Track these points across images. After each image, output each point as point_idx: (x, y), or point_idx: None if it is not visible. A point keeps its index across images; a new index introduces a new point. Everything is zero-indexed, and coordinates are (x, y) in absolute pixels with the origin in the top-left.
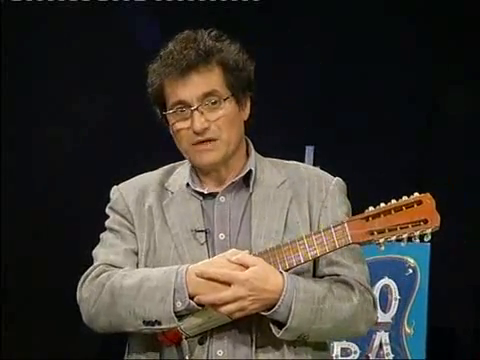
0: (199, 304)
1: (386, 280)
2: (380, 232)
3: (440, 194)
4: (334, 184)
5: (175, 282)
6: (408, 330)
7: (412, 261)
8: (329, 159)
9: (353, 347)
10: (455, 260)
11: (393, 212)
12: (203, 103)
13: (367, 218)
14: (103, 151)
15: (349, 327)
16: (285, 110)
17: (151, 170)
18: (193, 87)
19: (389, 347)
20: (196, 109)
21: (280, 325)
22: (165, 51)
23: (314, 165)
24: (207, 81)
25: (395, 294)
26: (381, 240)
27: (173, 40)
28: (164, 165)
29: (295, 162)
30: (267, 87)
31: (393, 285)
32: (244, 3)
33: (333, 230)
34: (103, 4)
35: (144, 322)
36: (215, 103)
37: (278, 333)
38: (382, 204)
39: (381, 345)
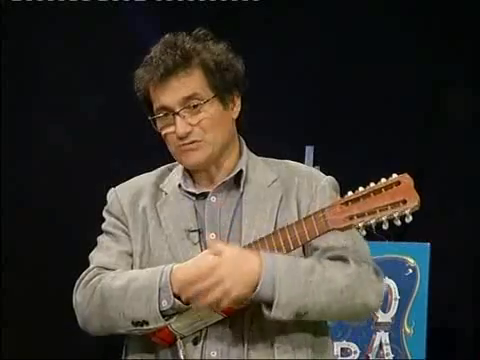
0: (187, 303)
1: (386, 280)
2: (359, 216)
3: (440, 194)
4: (325, 181)
5: (159, 281)
6: (408, 330)
7: (412, 261)
8: (329, 159)
9: (353, 347)
10: (455, 260)
11: (372, 195)
12: (184, 107)
13: (346, 203)
14: (103, 151)
15: (352, 299)
16: (285, 110)
17: (151, 170)
18: (173, 92)
19: (389, 347)
20: (177, 114)
21: (271, 306)
22: (147, 56)
23: (314, 165)
24: (187, 85)
25: (395, 294)
26: (361, 224)
27: (156, 44)
28: (164, 165)
29: (288, 161)
30: (267, 87)
31: (393, 285)
32: (244, 3)
33: (313, 218)
34: (103, 4)
35: (133, 323)
36: (196, 106)
37: (270, 313)
38: (361, 188)
39: (381, 345)
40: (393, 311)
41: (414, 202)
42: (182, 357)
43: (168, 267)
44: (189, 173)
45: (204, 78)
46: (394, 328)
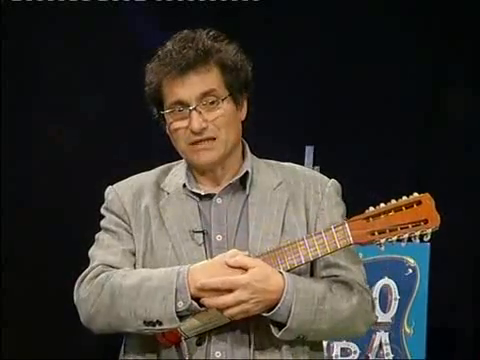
0: (201, 305)
1: (386, 280)
2: (381, 232)
3: (440, 194)
4: (330, 186)
5: (177, 282)
6: (408, 330)
7: (412, 261)
8: (329, 159)
9: (353, 347)
10: (455, 260)
11: (393, 212)
12: (201, 103)
13: (368, 218)
14: (103, 151)
15: (348, 327)
16: (285, 110)
17: (152, 169)
18: (191, 87)
19: (389, 347)
20: (194, 109)
21: (280, 325)
22: (163, 50)
23: (314, 165)
24: (205, 81)
25: (395, 294)
26: (382, 240)
27: (171, 39)
28: (164, 165)
29: (291, 164)
30: (267, 87)
31: (393, 285)
32: (244, 3)
33: (334, 230)
34: (103, 4)
35: (145, 322)
36: (213, 103)
37: (277, 333)
38: (382, 204)
39: (381, 345)
40: (393, 311)
41: (435, 223)
42: (187, 358)
43: (184, 268)
44: (192, 173)
45: (221, 76)
46: (394, 328)
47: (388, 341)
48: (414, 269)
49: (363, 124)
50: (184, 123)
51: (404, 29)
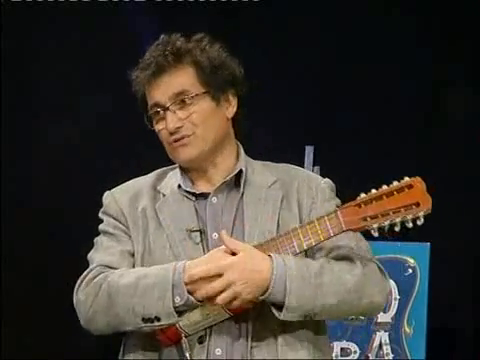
0: (198, 300)
1: None
2: (373, 218)
3: (440, 194)
4: (323, 183)
5: (173, 278)
6: (408, 330)
7: (412, 261)
8: (329, 159)
9: (353, 347)
10: (455, 260)
11: (385, 197)
12: (175, 102)
13: (359, 205)
14: (103, 151)
15: (360, 299)
16: (285, 110)
17: (151, 170)
18: (164, 88)
19: (389, 347)
20: (167, 109)
21: (281, 308)
22: (143, 58)
23: (314, 165)
24: (177, 81)
25: (395, 294)
26: (375, 225)
27: (151, 48)
28: (164, 165)
29: (286, 164)
30: (267, 87)
31: (393, 285)
32: (244, 3)
33: (326, 218)
34: (103, 4)
35: (143, 319)
36: (184, 101)
37: (280, 315)
38: (373, 190)
39: (381, 345)
40: (393, 311)
41: (427, 205)
42: (188, 356)
43: (181, 263)
44: (187, 174)
45: (195, 75)
46: (394, 328)
47: (388, 341)
48: (414, 269)
49: (363, 124)
50: (164, 124)
51: (404, 29)
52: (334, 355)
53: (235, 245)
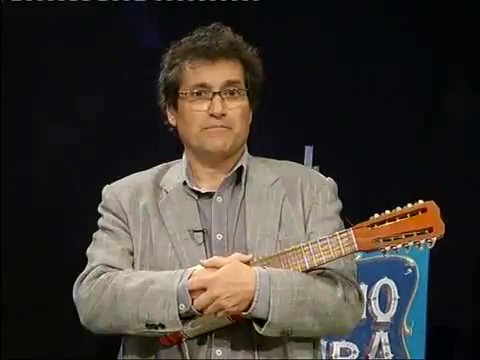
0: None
1: (385, 280)
2: (386, 240)
3: (440, 194)
4: (326, 183)
5: (177, 285)
6: (407, 330)
7: (411, 261)
8: (329, 159)
9: (352, 347)
10: (455, 260)
11: (398, 219)
12: (225, 90)
13: (372, 225)
14: (103, 151)
15: (334, 322)
16: (285, 110)
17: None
18: (220, 72)
19: (388, 347)
20: (218, 93)
21: (262, 322)
22: (192, 37)
23: (314, 165)
24: (233, 70)
25: (394, 294)
26: (387, 248)
27: (198, 30)
28: (163, 163)
29: (288, 161)
30: (267, 87)
31: (392, 285)
32: (244, 3)
33: (339, 237)
34: (103, 4)
35: (147, 325)
36: (234, 93)
37: (260, 330)
38: (387, 211)
39: (380, 345)
40: (393, 311)
41: (440, 231)
42: (188, 357)
43: (187, 271)
44: (192, 171)
45: (243, 72)
46: (394, 328)
47: (388, 341)
48: (414, 269)
49: (363, 124)
50: (203, 107)
51: (404, 29)
52: (334, 355)
53: (218, 261)
